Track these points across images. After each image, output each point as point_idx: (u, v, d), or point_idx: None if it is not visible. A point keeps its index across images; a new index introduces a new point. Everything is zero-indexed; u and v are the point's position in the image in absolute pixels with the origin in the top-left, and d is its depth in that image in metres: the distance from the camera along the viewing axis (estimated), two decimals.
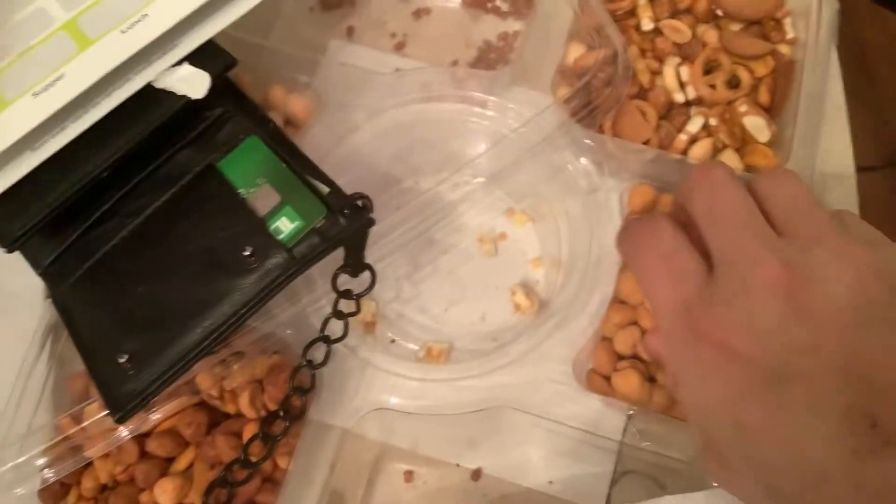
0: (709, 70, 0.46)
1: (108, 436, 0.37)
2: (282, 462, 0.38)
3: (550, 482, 0.42)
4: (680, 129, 0.45)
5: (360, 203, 0.36)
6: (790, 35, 0.47)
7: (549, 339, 0.42)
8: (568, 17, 0.47)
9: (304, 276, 0.40)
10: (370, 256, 0.37)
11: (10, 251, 0.35)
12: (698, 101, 0.46)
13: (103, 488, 0.38)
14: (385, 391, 0.41)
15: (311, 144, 0.44)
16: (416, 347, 0.45)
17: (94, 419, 0.37)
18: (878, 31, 0.96)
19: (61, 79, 0.36)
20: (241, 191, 0.36)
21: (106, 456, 0.38)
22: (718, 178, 0.28)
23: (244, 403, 0.38)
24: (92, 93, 0.36)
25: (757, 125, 0.44)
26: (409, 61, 0.48)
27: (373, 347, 0.42)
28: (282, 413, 0.37)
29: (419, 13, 0.51)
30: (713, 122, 0.45)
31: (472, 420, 0.42)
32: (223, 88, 0.38)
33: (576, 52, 0.46)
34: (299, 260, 0.34)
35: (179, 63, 0.37)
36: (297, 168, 0.36)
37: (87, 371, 0.33)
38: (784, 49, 0.47)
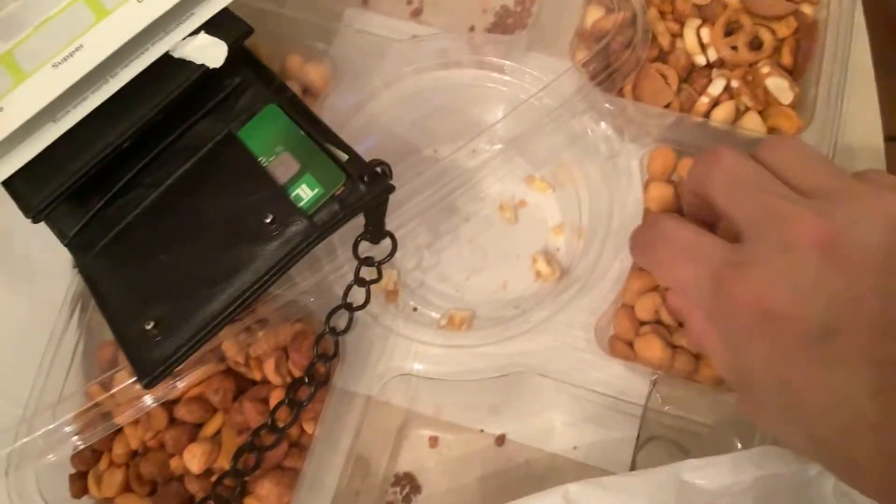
0: (730, 31, 0.45)
1: (136, 403, 0.37)
2: (308, 427, 0.38)
3: (575, 448, 0.42)
4: (701, 92, 0.44)
5: (379, 170, 0.36)
6: None
7: (571, 306, 0.42)
8: None
9: (325, 243, 0.40)
10: (390, 224, 0.37)
11: (36, 221, 0.36)
12: (720, 64, 0.45)
13: (134, 454, 0.39)
14: (408, 358, 0.41)
15: (329, 113, 0.44)
16: (438, 315, 0.45)
17: (122, 386, 0.37)
18: None
19: (80, 49, 0.36)
20: (261, 159, 0.36)
21: (136, 422, 0.39)
22: (730, 156, 0.28)
23: (269, 370, 0.38)
24: (110, 63, 0.37)
25: (780, 87, 0.44)
26: (426, 28, 0.48)
27: (395, 315, 0.42)
28: (307, 379, 0.37)
29: None
30: (735, 84, 0.44)
31: (496, 386, 0.42)
32: (240, 58, 0.39)
33: (594, 14, 0.45)
34: (320, 227, 0.34)
35: (196, 32, 0.37)
36: (316, 136, 0.36)
37: (115, 338, 0.34)
38: (807, 9, 0.46)
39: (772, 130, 0.43)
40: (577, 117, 0.44)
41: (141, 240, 0.36)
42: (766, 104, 0.44)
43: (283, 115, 0.37)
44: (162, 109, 0.37)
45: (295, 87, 0.43)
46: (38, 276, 0.43)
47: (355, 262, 0.38)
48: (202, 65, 0.37)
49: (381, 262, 0.38)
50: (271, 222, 0.34)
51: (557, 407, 0.43)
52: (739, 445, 0.38)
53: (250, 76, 0.39)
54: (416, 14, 0.50)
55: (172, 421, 0.39)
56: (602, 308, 0.42)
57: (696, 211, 0.29)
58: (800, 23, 0.45)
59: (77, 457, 0.39)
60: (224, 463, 0.37)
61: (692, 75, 0.45)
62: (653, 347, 0.40)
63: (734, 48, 0.45)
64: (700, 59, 0.45)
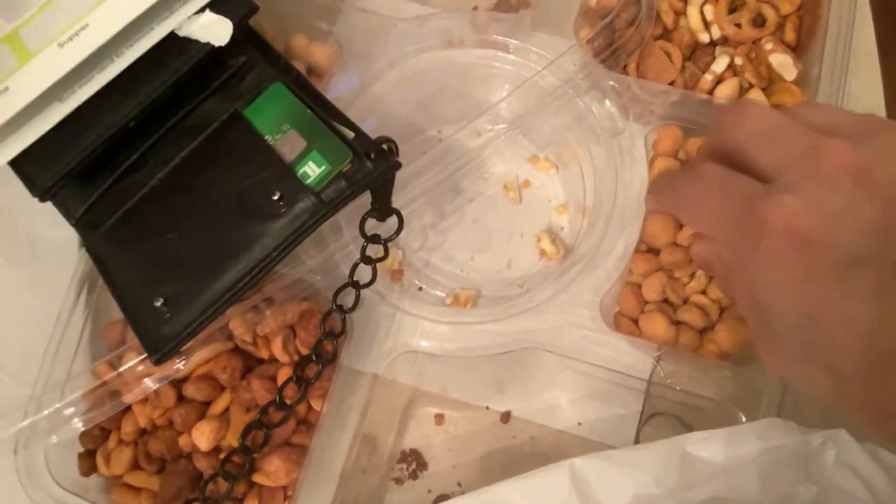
0: (733, 9, 0.45)
1: (144, 381, 0.38)
2: (316, 405, 0.38)
3: (579, 424, 0.43)
4: (705, 70, 0.45)
5: (385, 147, 0.36)
6: None
7: (576, 285, 0.42)
8: None
9: (331, 222, 0.40)
10: (395, 204, 0.38)
11: (43, 200, 0.36)
12: (723, 41, 0.45)
13: (142, 432, 0.39)
14: (414, 336, 0.41)
15: (334, 93, 0.44)
16: (443, 295, 0.45)
17: (130, 364, 0.37)
18: None
19: (85, 28, 0.36)
20: (268, 137, 0.36)
21: (144, 401, 0.39)
22: (759, 107, 0.27)
23: (277, 348, 0.38)
24: (116, 42, 0.36)
25: (784, 63, 0.44)
26: (429, 7, 0.48)
27: (401, 295, 0.42)
28: (314, 357, 0.37)
29: None
30: (739, 61, 0.44)
31: (501, 363, 0.43)
32: (246, 37, 0.38)
33: None
34: (327, 203, 0.34)
35: (201, 11, 0.37)
36: (322, 114, 0.36)
37: (124, 316, 0.34)
38: None
39: (776, 107, 0.43)
40: (581, 96, 0.44)
41: (149, 218, 0.36)
42: (769, 81, 0.44)
43: (289, 93, 0.37)
44: (168, 88, 0.36)
45: (300, 67, 0.43)
46: (44, 257, 0.43)
47: (361, 241, 0.38)
48: (207, 43, 0.37)
49: (387, 240, 0.38)
50: (279, 199, 0.34)
51: (562, 384, 0.43)
52: (744, 419, 0.38)
53: (255, 55, 0.39)
54: None
55: (181, 399, 0.39)
56: (606, 286, 0.42)
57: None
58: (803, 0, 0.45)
59: (85, 435, 0.39)
60: (232, 440, 0.38)
61: (696, 53, 0.45)
62: (657, 325, 0.40)
63: (738, 25, 0.45)
64: (704, 37, 0.45)
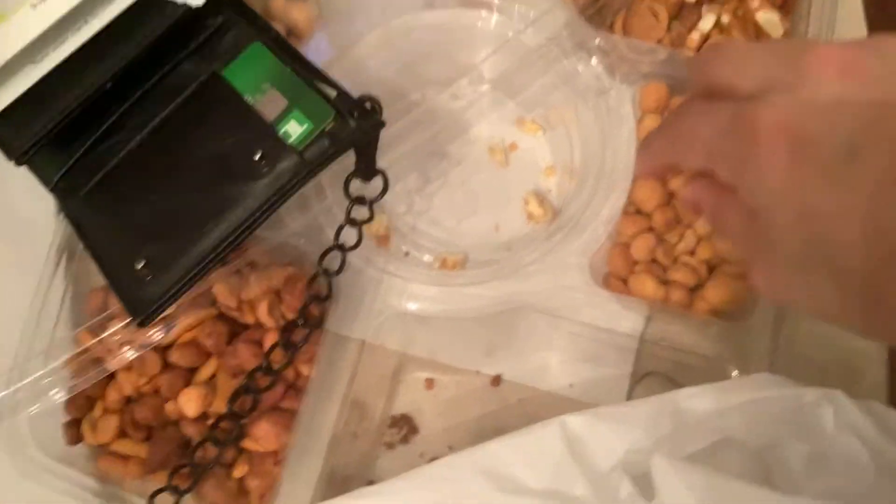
0: None
1: (128, 348, 0.37)
2: (303, 370, 0.38)
3: (570, 385, 0.42)
4: (691, 29, 0.44)
5: (368, 105, 0.35)
6: None
7: (564, 247, 0.42)
8: None
9: (315, 185, 0.40)
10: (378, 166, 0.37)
11: (19, 164, 0.35)
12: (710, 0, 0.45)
13: (127, 400, 0.39)
14: (402, 299, 0.41)
15: (314, 55, 0.43)
16: (431, 259, 0.44)
17: (112, 331, 0.37)
18: None
19: None
20: (248, 97, 0.35)
21: (129, 369, 0.38)
22: (731, 41, 0.26)
23: (263, 313, 0.38)
24: (90, 3, 0.36)
25: (770, 21, 0.43)
26: None
27: (387, 259, 0.42)
28: (301, 321, 0.37)
29: None
30: (725, 19, 0.44)
31: (491, 327, 0.42)
32: None
33: None
34: (310, 163, 0.33)
35: None
36: (303, 73, 0.36)
37: (106, 279, 0.33)
38: None
39: None
40: (567, 57, 0.44)
41: (128, 182, 0.35)
42: (756, 39, 0.44)
43: (269, 52, 0.37)
44: (144, 50, 0.36)
45: (279, 29, 0.42)
46: (20, 228, 0.43)
47: (345, 204, 0.38)
48: (184, 4, 0.36)
49: (373, 201, 0.37)
50: (260, 159, 0.33)
51: (552, 346, 0.43)
52: (736, 374, 0.38)
53: (233, 15, 0.38)
54: None
55: (166, 366, 0.38)
56: (594, 248, 0.42)
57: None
58: None
59: (70, 404, 0.39)
60: (220, 407, 0.37)
61: (682, 12, 0.45)
62: (647, 284, 0.40)
63: None
64: None
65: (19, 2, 0.36)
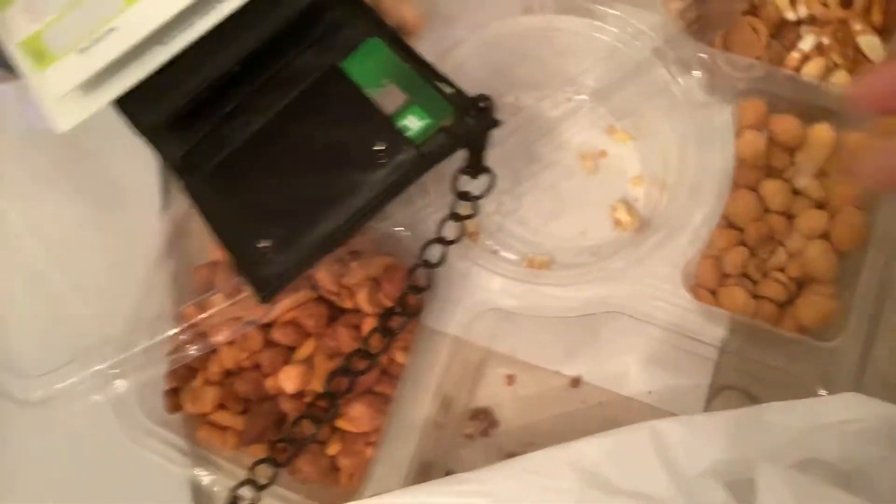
0: None
1: (231, 324, 0.38)
2: (398, 357, 0.39)
3: (649, 392, 0.43)
4: (790, 48, 0.45)
5: (482, 105, 0.36)
6: None
7: (651, 257, 0.42)
8: None
9: (416, 182, 0.41)
10: None
11: (148, 137, 0.37)
12: (810, 21, 0.45)
13: (228, 374, 0.40)
14: (491, 296, 0.42)
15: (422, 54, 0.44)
16: (517, 258, 0.45)
17: (219, 308, 0.38)
18: None
19: None
20: (367, 90, 0.37)
21: (231, 344, 0.40)
22: None
23: (362, 299, 0.39)
24: None
25: (872, 44, 0.44)
26: None
27: (478, 255, 0.43)
28: (399, 310, 0.38)
29: None
30: (825, 41, 0.44)
31: (573, 329, 0.43)
32: None
33: None
34: (427, 156, 0.35)
35: None
36: (420, 69, 0.37)
37: (229, 256, 0.34)
38: None
39: None
40: (665, 68, 0.44)
41: (249, 164, 0.36)
42: (854, 62, 0.44)
43: (386, 48, 0.38)
44: (268, 38, 0.37)
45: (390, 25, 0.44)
46: (130, 201, 0.44)
47: (445, 200, 0.39)
48: None
49: (477, 198, 0.38)
50: (379, 150, 0.35)
51: (633, 351, 0.43)
52: (824, 394, 0.38)
53: (350, 11, 0.39)
54: None
55: (267, 343, 0.40)
56: (683, 259, 0.42)
57: None
58: None
59: (172, 374, 0.40)
60: (316, 386, 0.38)
61: (781, 31, 0.45)
62: (737, 297, 0.40)
63: (825, 5, 0.45)
64: (790, 15, 0.45)
65: None
